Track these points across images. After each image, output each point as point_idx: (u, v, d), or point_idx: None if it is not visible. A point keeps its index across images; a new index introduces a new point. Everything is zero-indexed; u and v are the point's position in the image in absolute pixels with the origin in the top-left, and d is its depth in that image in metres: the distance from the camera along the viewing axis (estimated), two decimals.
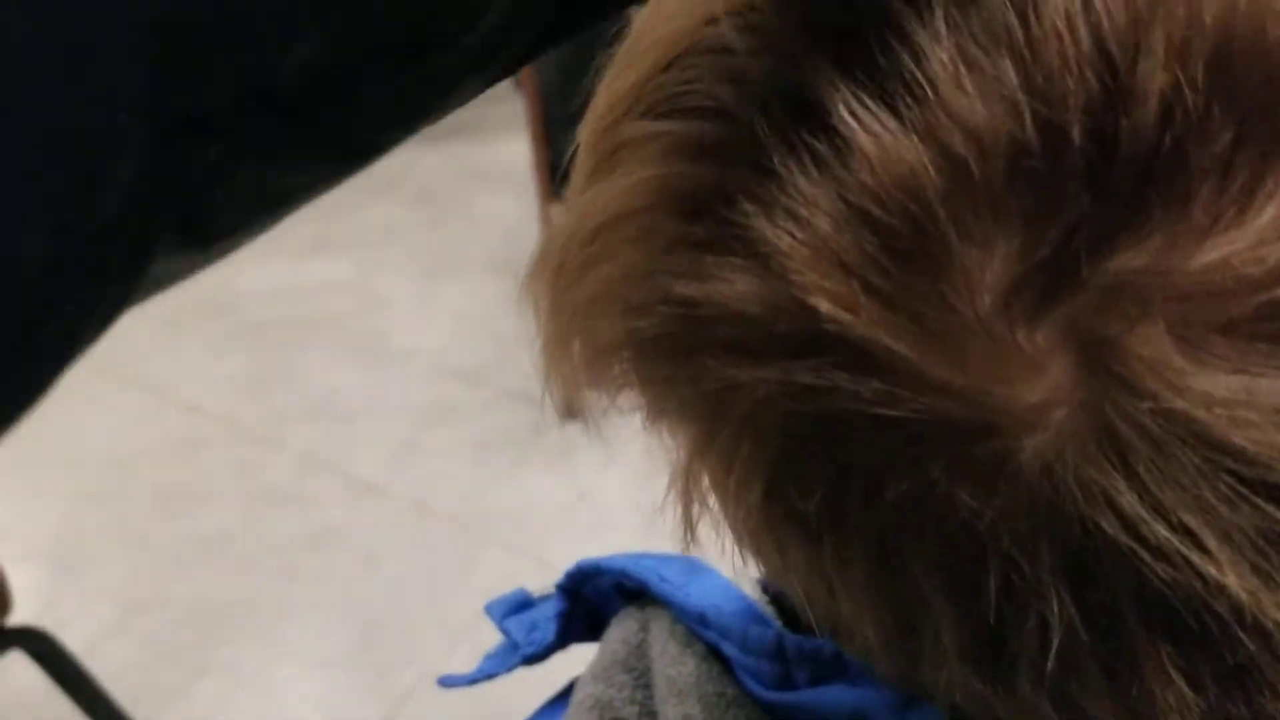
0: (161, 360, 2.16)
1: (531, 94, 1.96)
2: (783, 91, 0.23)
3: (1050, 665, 0.22)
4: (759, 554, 0.28)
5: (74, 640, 1.41)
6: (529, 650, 0.44)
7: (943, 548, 0.23)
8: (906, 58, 0.21)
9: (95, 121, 0.16)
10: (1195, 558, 0.20)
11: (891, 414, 0.22)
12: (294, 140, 0.20)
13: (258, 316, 2.30)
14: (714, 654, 0.36)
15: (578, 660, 0.43)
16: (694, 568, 0.38)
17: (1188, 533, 0.20)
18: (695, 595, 0.37)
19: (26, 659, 1.36)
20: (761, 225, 0.22)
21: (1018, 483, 0.21)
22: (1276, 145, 0.20)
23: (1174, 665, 0.22)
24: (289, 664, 1.72)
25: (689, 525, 0.28)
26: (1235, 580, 0.20)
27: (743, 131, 0.23)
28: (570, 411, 0.29)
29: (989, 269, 0.21)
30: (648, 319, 0.25)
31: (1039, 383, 0.21)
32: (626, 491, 1.80)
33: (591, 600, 0.43)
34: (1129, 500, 0.21)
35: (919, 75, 0.21)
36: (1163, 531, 0.20)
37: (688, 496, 0.27)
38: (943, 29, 0.21)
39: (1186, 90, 0.20)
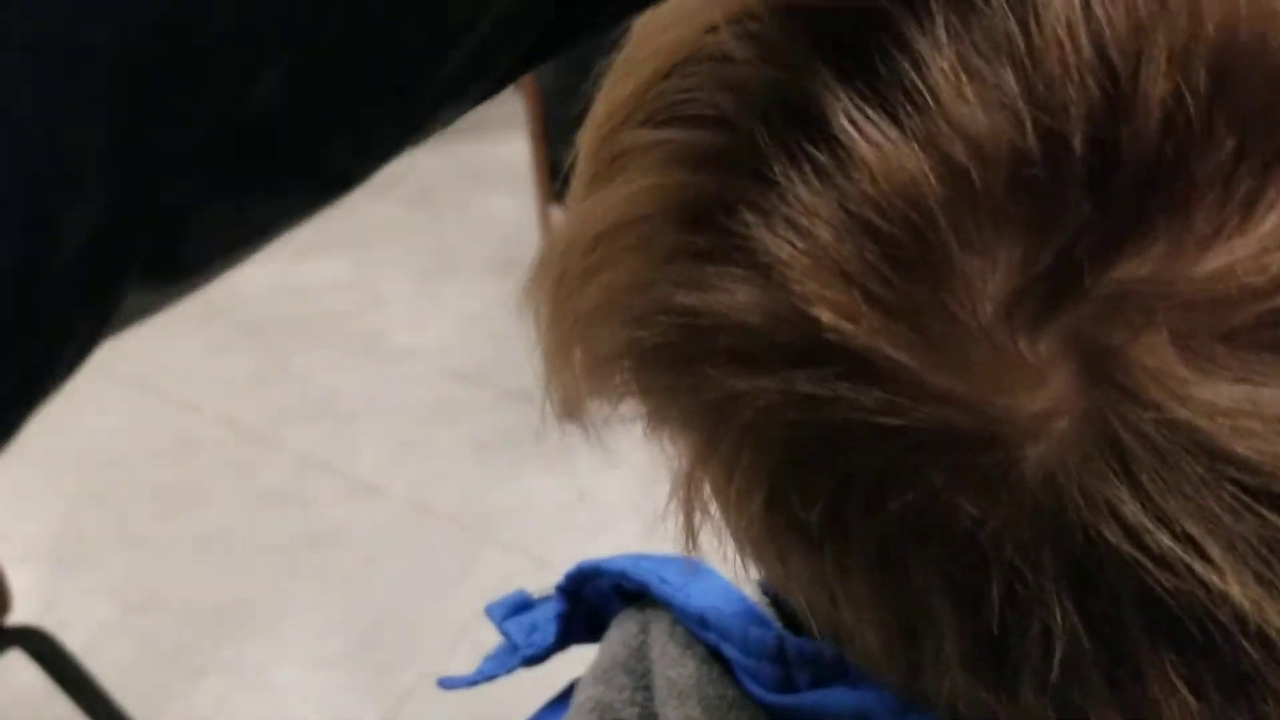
0: (161, 360, 2.16)
1: (531, 94, 1.96)
2: (783, 100, 0.23)
3: (1054, 674, 0.22)
4: (761, 562, 0.28)
5: (73, 640, 1.42)
6: (529, 652, 0.44)
7: (945, 557, 0.23)
8: (907, 66, 0.21)
9: (50, 167, 0.16)
10: (1198, 567, 0.20)
11: (893, 423, 0.22)
12: (265, 175, 0.19)
13: (257, 316, 2.30)
14: (715, 656, 0.36)
15: (578, 661, 0.43)
16: (694, 569, 0.38)
17: (1191, 542, 0.20)
18: (695, 597, 0.37)
19: (26, 658, 1.36)
20: (762, 235, 0.22)
21: (1020, 492, 0.21)
22: (1279, 154, 0.20)
23: (1177, 673, 0.22)
24: (289, 664, 1.72)
25: (691, 533, 0.28)
26: (1239, 589, 0.20)
27: (743, 140, 0.23)
28: (570, 412, 0.29)
29: (991, 278, 0.21)
30: (649, 329, 0.25)
31: (1041, 392, 0.21)
32: (626, 491, 1.80)
33: (591, 602, 0.43)
34: (1132, 509, 0.21)
35: (920, 84, 0.21)
36: (1166, 541, 0.20)
37: (689, 505, 0.27)
38: (943, 37, 0.21)
39: (1188, 98, 0.20)
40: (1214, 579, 0.20)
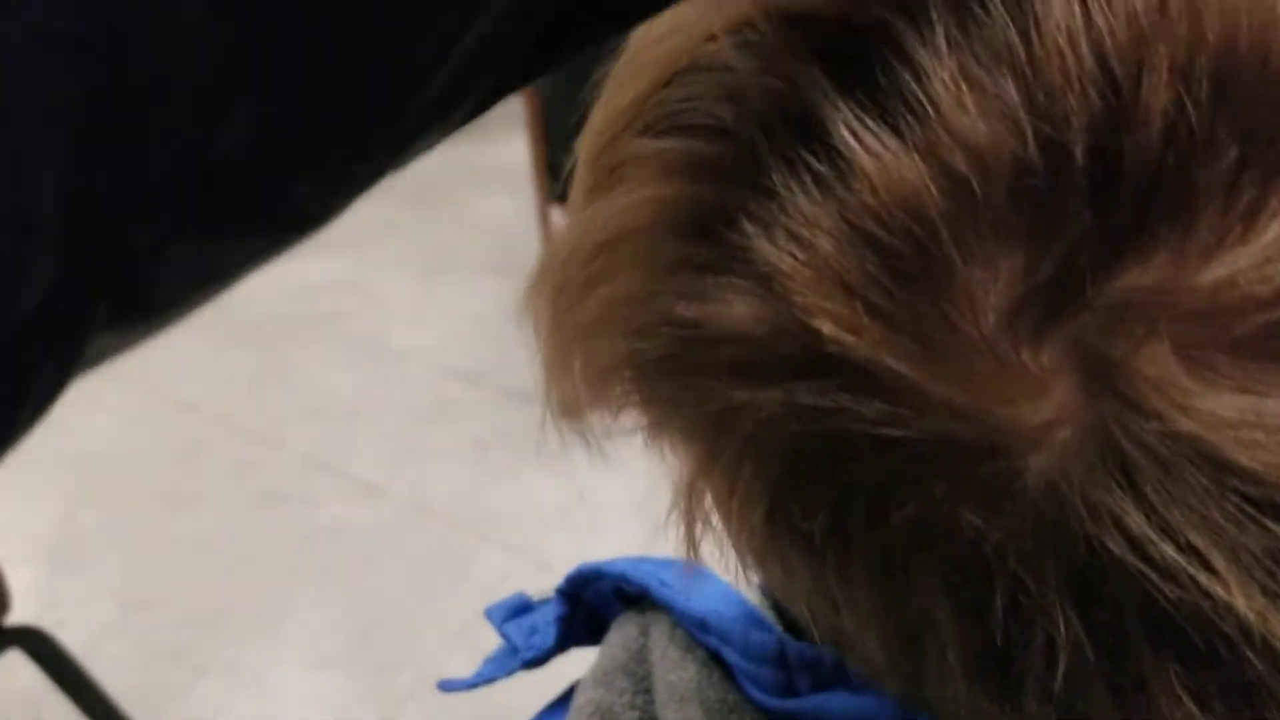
0: (161, 360, 2.16)
1: (531, 94, 1.96)
2: (783, 110, 0.23)
3: (1057, 684, 0.22)
4: (763, 571, 0.28)
5: (73, 640, 1.42)
6: (529, 655, 0.44)
7: (948, 567, 0.22)
8: (907, 77, 0.21)
9: (6, 213, 0.16)
10: (1203, 578, 0.20)
11: (895, 434, 0.21)
12: (234, 215, 0.19)
13: (257, 316, 2.30)
14: (715, 660, 0.36)
15: (579, 662, 0.43)
16: (694, 572, 0.38)
17: (1195, 553, 0.20)
18: (696, 600, 0.37)
19: (26, 658, 1.36)
20: (763, 246, 0.22)
21: (1023, 502, 0.21)
22: None
23: (1182, 685, 0.22)
24: (288, 663, 1.72)
25: (692, 543, 0.28)
26: (1243, 601, 0.20)
27: (743, 150, 0.23)
28: (571, 423, 0.29)
29: (992, 288, 0.21)
30: (649, 340, 0.24)
31: (1043, 403, 0.21)
32: (626, 491, 1.80)
33: (592, 604, 0.43)
34: (1136, 520, 0.20)
35: (920, 94, 0.21)
36: (1170, 552, 0.20)
37: (690, 515, 0.27)
38: (944, 47, 0.21)
39: (1190, 108, 0.20)
40: (1218, 590, 0.20)
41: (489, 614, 0.46)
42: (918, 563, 0.23)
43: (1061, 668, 0.22)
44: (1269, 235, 0.20)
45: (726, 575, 0.29)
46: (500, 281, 2.34)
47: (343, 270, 2.39)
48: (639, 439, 0.28)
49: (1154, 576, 0.21)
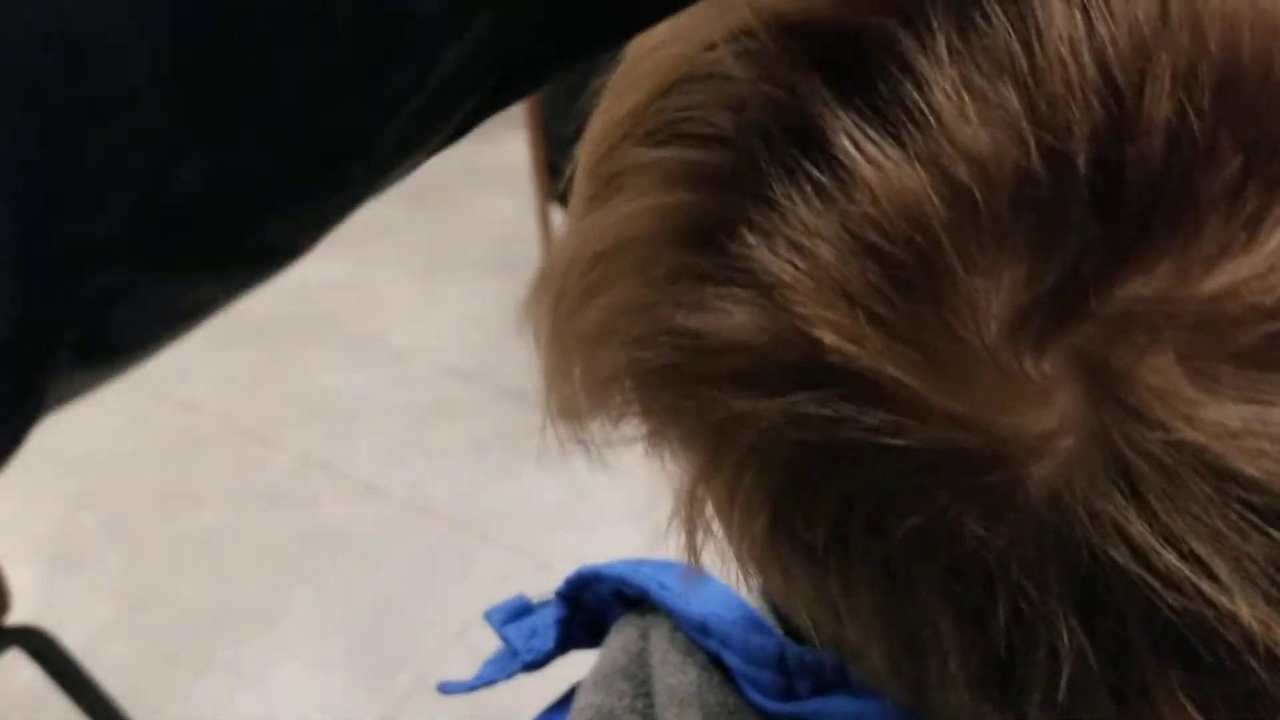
0: (161, 360, 2.14)
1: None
2: (783, 119, 0.23)
3: (1061, 693, 0.22)
4: (764, 579, 0.28)
5: (73, 639, 1.41)
6: (528, 657, 0.44)
7: (951, 576, 0.22)
8: (908, 86, 0.21)
9: None
10: (1206, 587, 0.20)
11: (897, 443, 0.21)
12: (197, 256, 0.19)
13: (256, 316, 2.30)
14: (715, 663, 0.36)
15: (579, 663, 0.43)
16: (695, 577, 0.38)
17: (1199, 562, 0.20)
18: (696, 603, 0.37)
19: (26, 658, 1.36)
20: (764, 256, 0.22)
21: (1025, 511, 0.21)
22: None
23: (1185, 693, 0.22)
24: (288, 663, 1.72)
25: (693, 551, 0.28)
26: (1247, 610, 0.20)
27: (743, 159, 0.23)
28: (571, 431, 0.29)
29: (995, 298, 0.21)
30: (650, 350, 0.24)
31: (1046, 411, 0.21)
32: (626, 491, 1.80)
33: (591, 607, 0.43)
34: (1139, 529, 0.20)
35: (921, 103, 0.21)
36: (1173, 560, 0.20)
37: (691, 523, 0.27)
38: (945, 56, 0.21)
39: (1193, 118, 0.20)
40: (1222, 599, 0.20)
41: (489, 617, 0.46)
42: (920, 572, 0.23)
43: (1065, 676, 0.22)
44: (1272, 244, 0.20)
45: (726, 579, 0.29)
46: (500, 281, 2.33)
47: (342, 270, 2.39)
48: (639, 446, 0.28)
49: (1157, 585, 0.21)
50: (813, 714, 0.33)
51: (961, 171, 0.21)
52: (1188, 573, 0.20)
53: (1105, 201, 0.20)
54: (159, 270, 0.18)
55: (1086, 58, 0.20)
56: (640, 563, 0.41)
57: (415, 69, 0.19)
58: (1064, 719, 0.23)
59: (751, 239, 0.22)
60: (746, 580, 0.28)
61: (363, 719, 1.65)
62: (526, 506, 1.90)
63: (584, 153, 0.28)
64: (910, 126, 0.21)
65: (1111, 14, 0.20)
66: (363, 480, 1.99)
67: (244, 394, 2.17)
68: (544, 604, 0.45)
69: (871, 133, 0.21)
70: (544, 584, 0.45)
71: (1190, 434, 0.20)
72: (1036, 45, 0.21)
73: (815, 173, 0.22)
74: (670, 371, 0.24)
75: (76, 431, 1.99)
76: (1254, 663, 0.21)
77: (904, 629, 0.24)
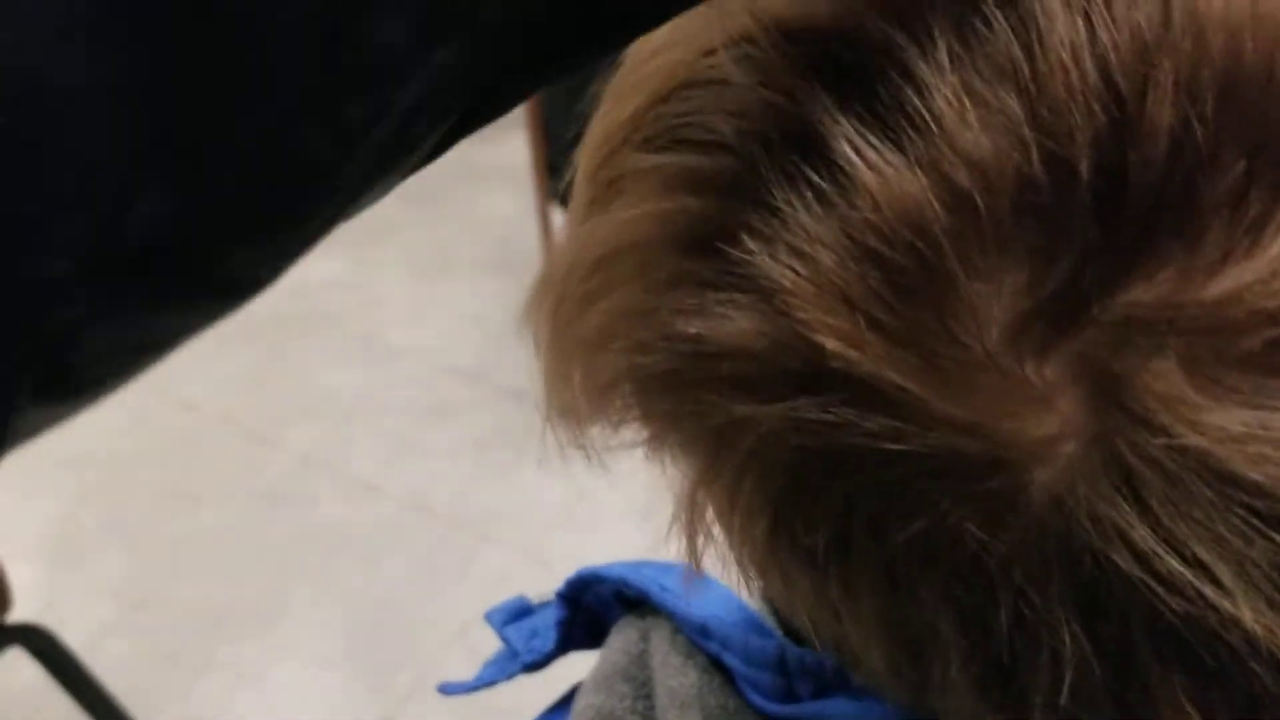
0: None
1: None
2: (783, 125, 0.23)
3: (1063, 697, 0.22)
4: (765, 583, 0.28)
5: (73, 638, 1.42)
6: (529, 658, 0.44)
7: (952, 581, 0.22)
8: (909, 91, 0.21)
9: None
10: (1209, 592, 0.20)
11: (899, 449, 0.21)
12: (159, 290, 0.18)
13: (255, 315, 2.28)
14: (716, 665, 0.36)
15: (580, 663, 0.43)
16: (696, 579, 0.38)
17: (1202, 567, 0.20)
18: (696, 605, 0.37)
19: (26, 656, 1.36)
20: (764, 261, 0.22)
21: (1027, 516, 0.21)
22: None
23: (1188, 697, 0.22)
24: (288, 662, 1.72)
25: (694, 555, 0.28)
26: (1250, 614, 0.20)
27: (743, 165, 0.23)
28: (572, 437, 0.29)
29: (996, 303, 0.21)
30: (650, 355, 0.24)
31: (1048, 417, 0.21)
32: (625, 490, 1.80)
33: (592, 608, 0.43)
34: (1142, 534, 0.20)
35: (922, 109, 0.21)
36: (1176, 565, 0.20)
37: (692, 528, 0.27)
38: (945, 62, 0.21)
39: (1195, 123, 0.20)
40: (1225, 604, 0.20)
41: (489, 617, 0.46)
42: (921, 577, 0.23)
43: (1067, 680, 0.22)
44: (1275, 249, 0.20)
45: (727, 581, 0.29)
46: (500, 280, 2.33)
47: (342, 269, 2.39)
48: (640, 451, 0.28)
49: (1160, 590, 0.21)
50: (813, 716, 0.33)
51: (962, 177, 0.21)
52: (1191, 577, 0.20)
53: (1107, 207, 0.20)
54: (119, 306, 0.18)
55: (1088, 63, 0.20)
56: (641, 564, 0.41)
57: (378, 99, 0.18)
58: None
59: (752, 245, 0.22)
60: (747, 584, 0.28)
61: (363, 719, 1.65)
62: (526, 506, 1.90)
63: (583, 157, 0.28)
64: (911, 132, 0.21)
65: (1113, 20, 0.20)
66: (362, 479, 1.99)
67: (244, 393, 2.17)
68: (544, 605, 0.45)
69: (872, 138, 0.21)
70: (544, 584, 0.45)
71: (1193, 439, 0.20)
72: (1038, 51, 0.21)
73: (816, 178, 0.22)
74: (670, 377, 0.24)
75: (76, 431, 1.97)
76: (1257, 667, 0.21)
77: (905, 633, 0.24)
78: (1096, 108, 0.20)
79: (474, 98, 0.21)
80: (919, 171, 0.21)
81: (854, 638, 0.25)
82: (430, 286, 2.41)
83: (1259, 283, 0.20)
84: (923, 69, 0.21)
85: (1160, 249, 0.20)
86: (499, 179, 2.54)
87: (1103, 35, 0.20)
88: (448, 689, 0.46)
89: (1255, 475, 0.20)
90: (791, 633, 0.35)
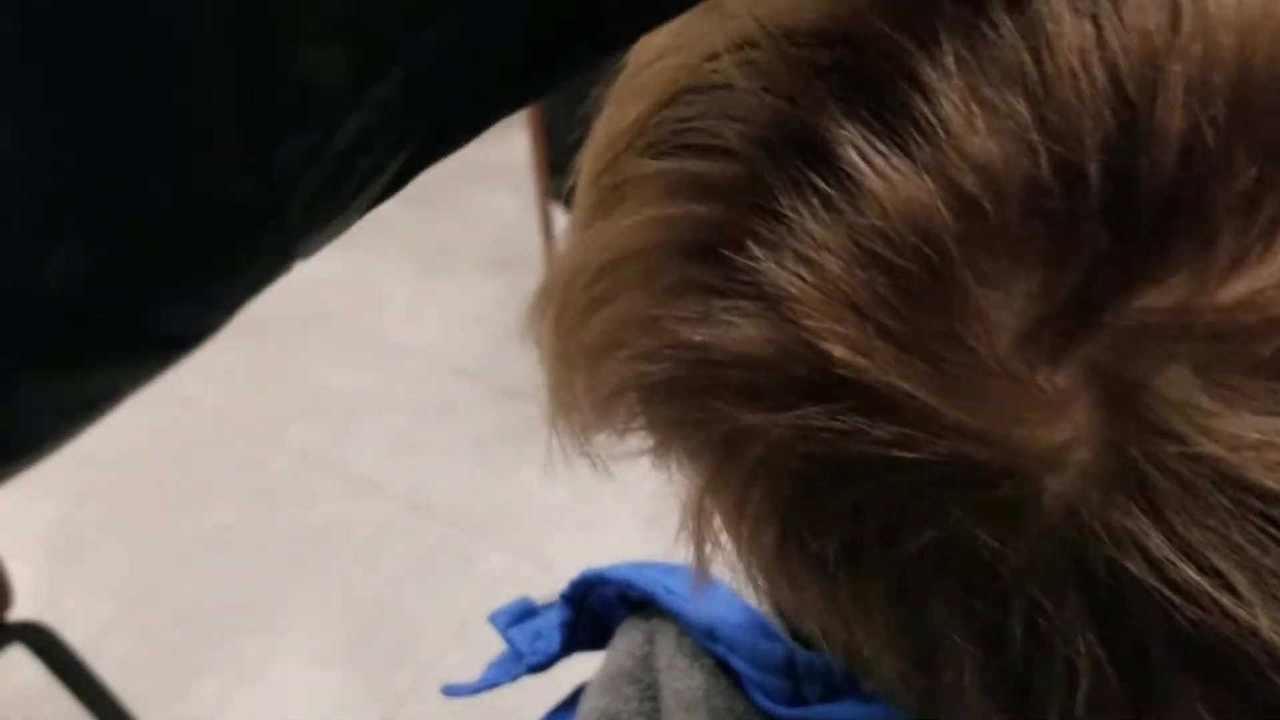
0: None
1: None
2: (787, 130, 0.22)
3: (1079, 707, 0.22)
4: (774, 591, 0.27)
5: (74, 637, 1.41)
6: (533, 660, 0.44)
7: (964, 590, 0.22)
8: (915, 96, 0.21)
9: None
10: (1226, 600, 0.20)
11: (908, 457, 0.21)
12: (85, 351, 0.17)
13: (255, 313, 2.26)
14: (722, 668, 0.36)
15: (582, 662, 0.43)
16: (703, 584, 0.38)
17: (1218, 575, 0.20)
18: (703, 607, 0.37)
19: (28, 654, 1.36)
20: (770, 268, 0.22)
21: (1040, 525, 0.21)
22: None
23: (1205, 706, 0.22)
24: (288, 661, 1.72)
25: (701, 563, 0.28)
26: (1267, 623, 0.20)
27: (748, 171, 0.23)
28: (577, 445, 0.29)
29: (1006, 309, 0.21)
30: (655, 364, 0.24)
31: (1061, 424, 0.21)
32: (627, 489, 1.80)
33: (596, 610, 0.43)
34: (1157, 542, 0.20)
35: (929, 114, 0.21)
36: (1192, 574, 0.20)
37: (700, 536, 0.27)
38: (952, 66, 0.21)
39: (1207, 128, 0.20)
40: (1242, 613, 0.20)
41: (493, 619, 0.46)
42: (933, 586, 0.23)
43: (1083, 690, 0.22)
44: None
45: (734, 584, 0.29)
46: (500, 279, 2.33)
47: (342, 267, 2.39)
48: (645, 458, 0.28)
49: (1176, 599, 0.20)
50: (821, 719, 0.33)
51: (970, 182, 0.20)
52: (1206, 586, 0.20)
53: (1118, 213, 0.20)
54: (41, 368, 0.17)
55: (1097, 68, 0.20)
56: (645, 566, 0.41)
57: (311, 138, 0.18)
58: None
59: (758, 251, 0.22)
60: (756, 592, 0.28)
61: (362, 718, 1.65)
62: (527, 505, 1.90)
63: (586, 162, 0.27)
64: (917, 137, 0.21)
65: (1122, 23, 0.20)
66: (362, 478, 1.99)
67: (244, 392, 2.17)
68: (548, 606, 0.45)
69: (878, 144, 0.21)
70: (544, 583, 0.45)
71: (1208, 446, 0.20)
72: (1046, 55, 0.20)
73: (822, 184, 0.22)
74: (676, 385, 0.24)
75: None
76: (1274, 675, 0.21)
77: (917, 642, 0.24)
78: (1106, 112, 0.20)
79: (428, 128, 0.20)
80: (926, 177, 0.21)
81: (864, 646, 0.25)
82: (431, 285, 2.41)
83: (1272, 288, 0.20)
84: (929, 73, 0.21)
85: (1172, 254, 0.20)
86: (500, 177, 2.53)
87: (1111, 39, 0.20)
88: (451, 690, 0.46)
89: (1271, 483, 0.20)
90: (799, 637, 0.35)
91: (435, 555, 1.85)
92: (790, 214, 0.22)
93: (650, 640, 0.38)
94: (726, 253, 0.23)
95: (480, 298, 2.32)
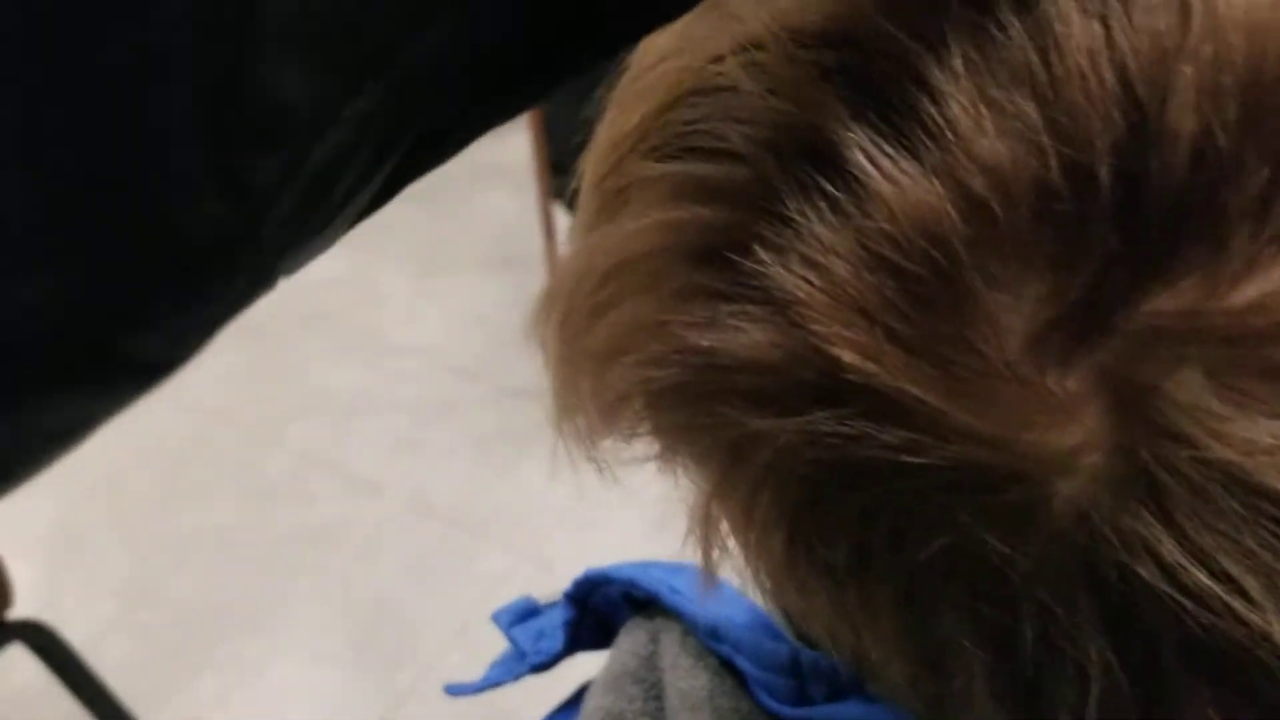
0: None
1: None
2: (793, 133, 0.22)
3: (1090, 711, 0.22)
4: (781, 596, 0.27)
5: (74, 636, 1.41)
6: (536, 659, 0.44)
7: (974, 595, 0.22)
8: (923, 99, 0.21)
9: None
10: (1238, 605, 0.20)
11: (918, 461, 0.21)
12: (56, 378, 0.17)
13: (255, 312, 2.26)
14: (727, 667, 0.36)
15: (583, 662, 0.43)
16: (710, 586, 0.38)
17: (1229, 580, 0.20)
18: (707, 607, 0.36)
19: (27, 653, 1.36)
20: (778, 273, 0.22)
21: (1050, 529, 0.21)
22: None
23: (1216, 711, 0.21)
24: (288, 660, 1.72)
25: (709, 569, 0.27)
26: None
27: (754, 174, 0.22)
28: (583, 451, 0.29)
29: (1016, 313, 0.20)
30: (662, 369, 0.24)
31: (1071, 428, 0.21)
32: (628, 489, 1.80)
33: (600, 609, 0.43)
34: (1168, 547, 0.20)
35: (937, 116, 0.21)
36: (1203, 579, 0.20)
37: (707, 542, 0.27)
38: (960, 69, 0.21)
39: (1218, 131, 0.19)
40: (1254, 617, 0.20)
41: (496, 618, 0.46)
42: (943, 592, 0.22)
43: (1094, 695, 0.22)
44: None
45: (738, 583, 0.29)
46: (501, 278, 2.33)
47: (342, 267, 2.39)
48: (651, 462, 0.28)
49: (1187, 604, 0.20)
50: (826, 719, 0.33)
51: (979, 184, 0.20)
52: (1218, 591, 0.20)
53: (1128, 215, 0.20)
54: (9, 395, 0.17)
55: (1106, 69, 0.20)
56: (649, 565, 0.41)
57: (285, 156, 0.17)
58: None
59: (765, 255, 0.22)
60: (763, 596, 0.28)
61: (362, 717, 1.65)
62: (527, 505, 1.90)
63: (589, 166, 0.27)
64: (925, 140, 0.21)
65: (1132, 24, 0.20)
66: (362, 477, 1.99)
67: (244, 392, 2.17)
68: (551, 606, 0.45)
69: (886, 147, 0.21)
70: (545, 583, 0.45)
71: (1219, 450, 0.20)
72: (1055, 56, 0.20)
73: (829, 187, 0.21)
74: (683, 390, 0.24)
75: None
76: None
77: (926, 647, 0.24)
78: (1115, 114, 0.20)
79: (418, 137, 0.20)
80: (934, 180, 0.20)
81: (872, 650, 0.25)
82: (431, 285, 2.41)
83: None
84: (937, 75, 0.21)
85: (1183, 258, 0.20)
86: (500, 177, 2.53)
87: (1120, 40, 0.20)
88: (454, 690, 0.46)
89: None
90: (804, 637, 0.35)
91: (435, 555, 1.85)
92: (797, 218, 0.22)
93: (654, 639, 0.38)
94: (733, 257, 0.23)
95: (480, 298, 2.32)
